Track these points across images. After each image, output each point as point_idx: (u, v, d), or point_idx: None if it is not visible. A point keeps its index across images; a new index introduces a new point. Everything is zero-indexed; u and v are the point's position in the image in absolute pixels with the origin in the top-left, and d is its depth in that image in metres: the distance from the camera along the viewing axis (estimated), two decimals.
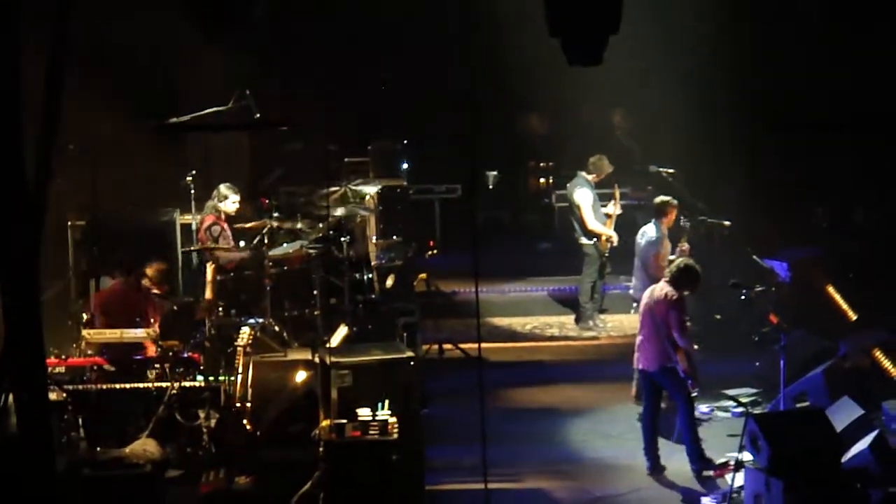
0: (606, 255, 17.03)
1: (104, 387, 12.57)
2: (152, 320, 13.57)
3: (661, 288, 12.78)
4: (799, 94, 18.19)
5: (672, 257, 14.54)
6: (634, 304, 15.09)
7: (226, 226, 15.13)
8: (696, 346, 12.88)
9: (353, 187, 16.24)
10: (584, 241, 16.99)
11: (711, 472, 12.60)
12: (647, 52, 18.05)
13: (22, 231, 8.00)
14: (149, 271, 13.95)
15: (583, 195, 16.87)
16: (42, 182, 8.09)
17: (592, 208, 16.85)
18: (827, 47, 18.25)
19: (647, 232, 14.89)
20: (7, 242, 7.91)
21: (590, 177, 16.98)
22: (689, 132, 18.76)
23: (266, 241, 14.86)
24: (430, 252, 18.66)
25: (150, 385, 12.56)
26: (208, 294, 14.18)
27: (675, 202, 14.90)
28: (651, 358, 12.84)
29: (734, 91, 18.94)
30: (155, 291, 13.90)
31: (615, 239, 16.91)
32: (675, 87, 18.80)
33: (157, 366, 12.62)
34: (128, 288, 13.74)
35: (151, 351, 13.09)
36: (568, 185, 17.35)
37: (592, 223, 16.83)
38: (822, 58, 18.28)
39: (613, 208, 16.92)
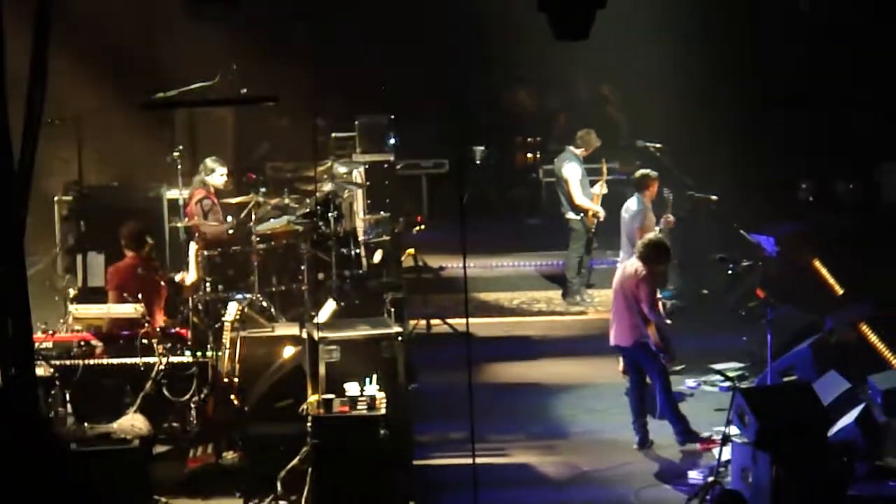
0: (593, 230, 17.04)
1: (91, 362, 12.53)
2: (162, 295, 13.54)
3: (632, 264, 12.83)
4: (784, 66, 18.20)
5: (658, 229, 14.56)
6: None
7: (215, 199, 15.11)
8: (667, 321, 12.88)
9: (341, 162, 16.20)
10: (570, 215, 16.99)
11: (697, 446, 12.65)
12: (633, 26, 18.03)
13: (7, 204, 7.97)
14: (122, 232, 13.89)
15: (571, 170, 16.86)
16: (27, 156, 8.06)
17: (580, 183, 16.84)
18: (810, 18, 18.26)
19: (630, 206, 14.94)
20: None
21: (578, 151, 16.98)
22: (676, 107, 18.78)
23: (253, 216, 14.84)
24: (417, 227, 18.65)
25: (137, 361, 12.53)
26: (193, 271, 14.14)
27: (655, 174, 14.92)
28: (623, 334, 12.92)
29: (720, 65, 18.94)
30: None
31: (602, 214, 16.91)
32: (661, 62, 18.80)
33: (144, 341, 12.58)
34: (140, 263, 13.65)
35: (160, 321, 13.07)
36: (556, 159, 17.34)
37: (580, 198, 16.83)
38: (807, 28, 18.29)
39: (600, 189, 16.92)
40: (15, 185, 8.00)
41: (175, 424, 12.50)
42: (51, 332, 12.66)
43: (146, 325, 12.75)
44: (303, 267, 14.57)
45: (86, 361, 12.50)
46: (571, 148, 17.02)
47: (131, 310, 13.05)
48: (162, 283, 13.73)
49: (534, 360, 15.08)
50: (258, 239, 14.43)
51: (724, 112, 18.66)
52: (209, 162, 15.16)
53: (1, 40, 7.89)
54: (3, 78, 7.91)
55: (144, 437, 11.70)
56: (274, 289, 14.64)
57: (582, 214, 16.92)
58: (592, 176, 17.04)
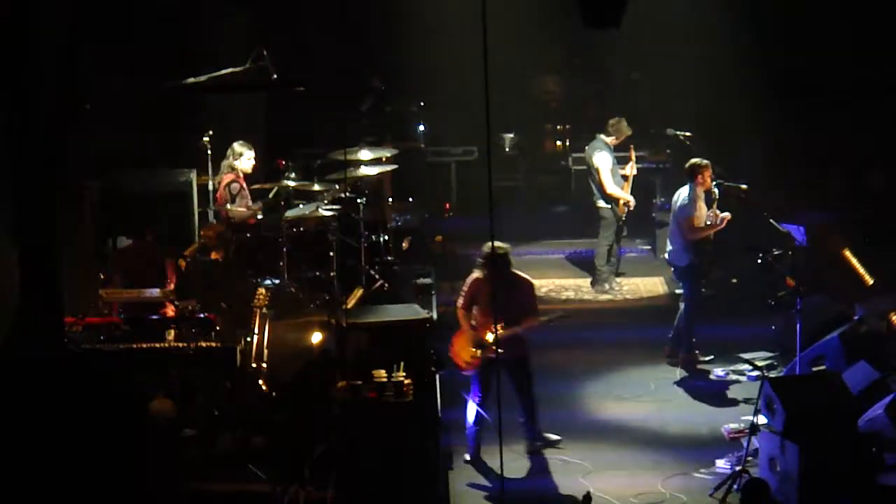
0: (623, 218, 16.99)
1: (120, 346, 12.55)
2: (169, 280, 13.59)
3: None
4: (816, 55, 18.07)
5: (707, 222, 14.45)
6: (673, 270, 15.08)
7: (244, 184, 15.13)
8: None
9: (370, 149, 16.18)
10: (601, 203, 16.94)
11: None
12: (664, 14, 17.98)
13: (40, 185, 8.04)
14: (204, 233, 13.95)
15: (602, 158, 16.81)
16: (58, 138, 8.11)
17: (611, 172, 16.80)
18: (843, 7, 18.11)
19: (682, 195, 14.69)
20: (25, 194, 7.96)
21: (609, 139, 16.92)
22: (707, 95, 18.71)
23: (283, 202, 14.85)
24: (446, 214, 18.64)
25: (166, 345, 12.55)
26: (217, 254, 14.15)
27: (706, 162, 14.67)
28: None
29: (752, 54, 18.83)
30: (214, 256, 13.89)
31: (632, 203, 16.87)
32: (693, 50, 18.73)
33: (173, 326, 12.60)
34: (145, 247, 13.72)
35: (170, 311, 13.09)
36: (587, 147, 17.28)
37: (611, 187, 16.78)
38: (840, 18, 18.15)
39: (630, 170, 16.87)
40: (46, 171, 8.07)
41: (203, 409, 12.51)
42: (80, 315, 12.68)
43: (171, 307, 12.79)
44: (331, 253, 14.59)
45: (115, 345, 12.51)
46: (602, 136, 16.96)
47: (159, 293, 13.09)
48: (172, 267, 13.74)
49: (561, 347, 15.03)
50: (287, 224, 14.44)
51: (755, 100, 18.54)
52: (237, 146, 15.18)
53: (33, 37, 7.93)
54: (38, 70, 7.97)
55: (173, 421, 11.72)
56: (303, 275, 14.67)
57: (613, 203, 16.88)
58: (622, 164, 16.99)
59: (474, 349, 12.35)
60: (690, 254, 14.52)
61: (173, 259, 13.87)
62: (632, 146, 17.03)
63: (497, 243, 12.26)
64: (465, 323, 12.50)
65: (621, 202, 16.83)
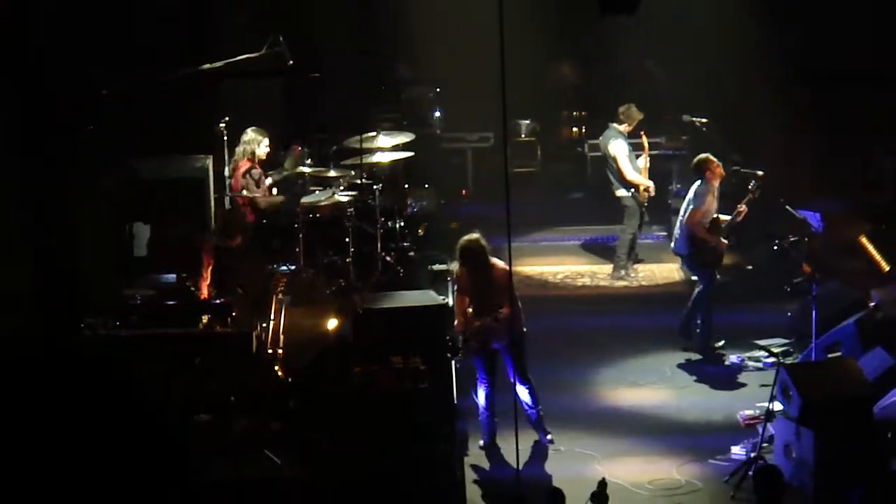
0: (646, 204, 16.97)
1: (136, 332, 12.55)
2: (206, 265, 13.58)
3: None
4: (833, 41, 18.04)
5: (725, 217, 14.45)
6: (680, 262, 15.08)
7: (261, 170, 15.13)
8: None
9: (386, 135, 16.18)
10: (622, 192, 16.90)
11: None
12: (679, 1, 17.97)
13: (53, 182, 8.08)
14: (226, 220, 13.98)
15: (618, 146, 16.78)
16: (70, 132, 8.15)
17: (628, 158, 16.77)
18: None
19: (693, 190, 14.70)
20: (39, 192, 8.00)
21: (621, 127, 16.90)
22: (722, 82, 18.68)
23: (299, 188, 14.86)
24: (462, 200, 18.64)
25: (181, 330, 12.54)
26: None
27: (713, 158, 14.68)
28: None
29: (768, 41, 18.80)
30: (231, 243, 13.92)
31: (652, 188, 16.85)
32: (709, 37, 18.70)
33: (189, 311, 12.60)
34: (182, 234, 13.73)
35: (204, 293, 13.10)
36: (601, 137, 17.26)
37: (631, 174, 16.75)
38: (859, 3, 18.11)
39: (644, 160, 16.86)
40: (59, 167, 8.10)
41: (219, 394, 12.51)
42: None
43: (192, 294, 12.80)
44: (347, 239, 14.61)
45: (131, 332, 12.52)
46: (615, 125, 16.94)
47: (173, 279, 13.11)
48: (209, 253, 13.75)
49: (576, 333, 15.06)
50: (304, 210, 14.46)
51: (771, 87, 18.52)
52: (252, 132, 15.14)
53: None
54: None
55: (189, 405, 11.72)
56: (319, 260, 14.68)
57: (633, 190, 16.84)
58: (637, 151, 16.98)
59: (464, 336, 12.42)
60: (690, 244, 14.53)
61: (210, 245, 13.85)
62: (643, 133, 16.99)
63: (470, 236, 12.49)
64: (457, 310, 12.59)
65: (642, 188, 16.80)
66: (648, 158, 16.94)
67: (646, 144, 16.93)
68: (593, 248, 18.45)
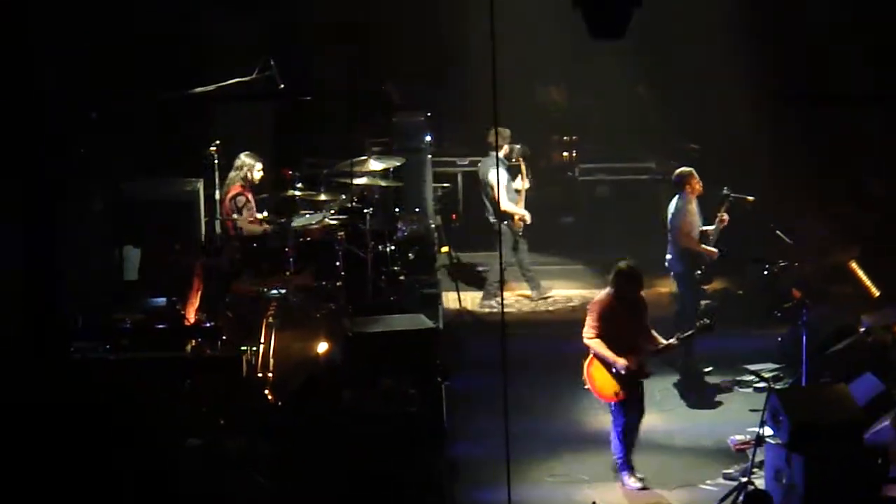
0: (520, 233, 17.01)
1: (126, 356, 12.52)
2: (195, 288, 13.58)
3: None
4: (818, 65, 18.12)
5: (709, 228, 14.48)
6: (672, 275, 15.07)
7: (250, 196, 15.12)
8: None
9: (377, 159, 16.19)
10: (494, 219, 16.93)
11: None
12: (667, 23, 17.98)
13: (46, 204, 8.08)
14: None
15: (496, 175, 16.62)
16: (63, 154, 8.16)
17: (506, 188, 16.72)
18: (849, 14, 18.12)
19: (673, 205, 14.76)
20: (33, 213, 8.00)
21: (502, 154, 16.83)
22: (713, 106, 18.72)
23: (289, 212, 14.85)
24: (452, 224, 18.64)
25: (170, 354, 12.52)
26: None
27: (691, 170, 14.72)
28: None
29: (756, 64, 18.84)
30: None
31: (528, 217, 16.88)
32: (696, 61, 18.74)
33: (179, 335, 12.58)
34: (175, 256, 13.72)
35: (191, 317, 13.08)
36: (480, 164, 17.30)
37: (506, 203, 16.71)
38: (841, 28, 18.18)
39: (522, 183, 16.90)
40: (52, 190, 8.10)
41: (209, 417, 12.48)
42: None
43: (182, 317, 12.79)
44: (338, 263, 14.60)
45: (119, 355, 12.48)
46: (493, 153, 16.78)
47: (163, 303, 13.09)
48: (199, 277, 13.75)
49: (570, 356, 15.04)
50: (294, 234, 14.45)
51: (760, 111, 18.56)
52: (246, 157, 15.15)
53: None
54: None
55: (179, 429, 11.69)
56: (309, 284, 14.66)
57: (508, 219, 16.88)
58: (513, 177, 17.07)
59: (625, 379, 12.15)
60: (683, 262, 14.55)
61: (200, 268, 13.85)
62: (521, 159, 17.02)
63: (628, 261, 12.29)
64: (607, 352, 12.15)
65: (516, 217, 16.83)
66: (527, 185, 17.06)
67: (524, 171, 17.01)
68: (590, 272, 18.43)
